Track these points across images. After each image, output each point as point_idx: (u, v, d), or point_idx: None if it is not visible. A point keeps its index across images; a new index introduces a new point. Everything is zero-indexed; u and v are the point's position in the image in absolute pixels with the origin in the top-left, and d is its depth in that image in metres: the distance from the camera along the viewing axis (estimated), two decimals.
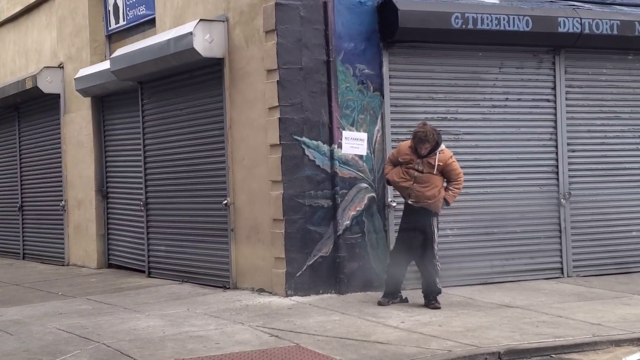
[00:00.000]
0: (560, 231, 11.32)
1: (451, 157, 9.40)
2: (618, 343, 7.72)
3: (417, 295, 9.60)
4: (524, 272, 11.13)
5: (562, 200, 11.28)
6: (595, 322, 8.40)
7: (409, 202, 9.36)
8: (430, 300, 9.35)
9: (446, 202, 9.42)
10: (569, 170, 11.37)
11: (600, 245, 11.59)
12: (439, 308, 9.22)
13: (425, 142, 9.19)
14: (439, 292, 9.43)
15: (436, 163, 9.25)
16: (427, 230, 9.36)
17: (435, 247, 9.42)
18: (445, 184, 9.41)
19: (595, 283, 10.88)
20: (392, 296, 9.54)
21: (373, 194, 10.30)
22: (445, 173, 9.37)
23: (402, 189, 9.42)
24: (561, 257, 11.34)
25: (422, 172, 9.27)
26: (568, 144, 11.37)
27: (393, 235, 10.15)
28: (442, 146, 9.39)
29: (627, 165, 11.80)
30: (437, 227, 9.49)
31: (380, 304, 9.45)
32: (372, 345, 7.58)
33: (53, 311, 9.90)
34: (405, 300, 9.56)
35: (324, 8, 10.02)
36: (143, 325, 8.74)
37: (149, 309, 9.75)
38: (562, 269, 11.33)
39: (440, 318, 8.73)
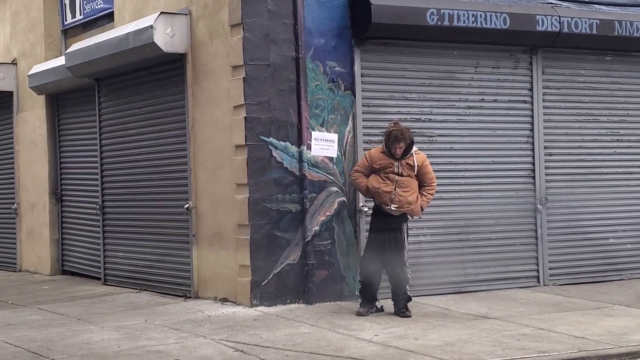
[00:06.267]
0: (536, 238, 10.92)
1: (426, 159, 9.05)
2: (606, 358, 7.31)
3: (387, 306, 9.15)
4: (498, 280, 10.70)
5: (538, 205, 10.89)
6: (579, 336, 7.99)
7: (392, 208, 8.86)
8: (401, 308, 8.94)
9: (420, 208, 9.01)
10: (545, 174, 10.98)
11: (577, 253, 11.18)
12: (409, 316, 8.83)
13: (400, 140, 8.76)
14: (410, 299, 9.03)
15: (415, 163, 8.85)
16: (398, 235, 8.95)
17: (405, 253, 9.02)
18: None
19: (573, 292, 10.50)
20: (371, 305, 9.08)
21: (344, 199, 9.82)
22: (420, 176, 8.97)
23: (382, 194, 8.89)
24: (537, 265, 10.94)
25: (402, 175, 8.84)
26: (545, 147, 10.97)
27: (365, 242, 9.65)
28: (415, 148, 8.99)
29: (604, 170, 11.42)
30: (407, 232, 9.10)
31: (359, 314, 8.97)
32: None
33: (1, 322, 9.31)
34: (381, 310, 9.12)
35: (293, 2, 9.53)
36: (97, 338, 8.19)
37: (103, 320, 9.20)
38: (538, 277, 10.93)
39: (415, 331, 8.25)
